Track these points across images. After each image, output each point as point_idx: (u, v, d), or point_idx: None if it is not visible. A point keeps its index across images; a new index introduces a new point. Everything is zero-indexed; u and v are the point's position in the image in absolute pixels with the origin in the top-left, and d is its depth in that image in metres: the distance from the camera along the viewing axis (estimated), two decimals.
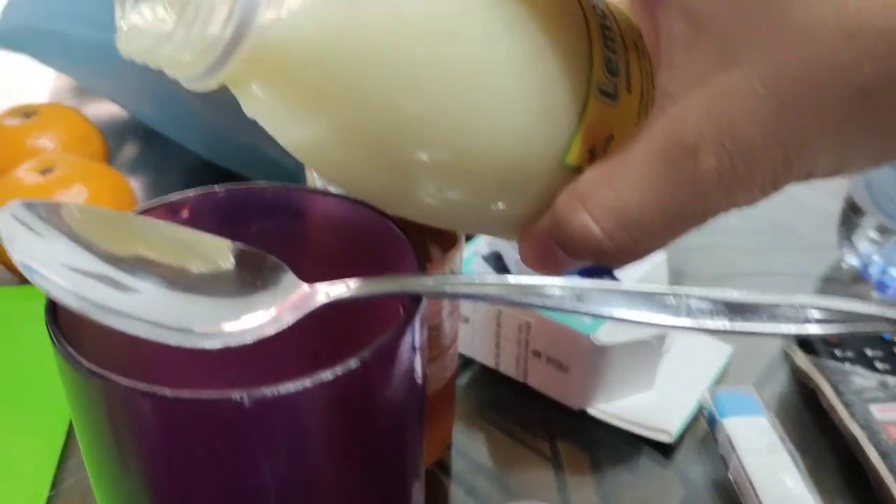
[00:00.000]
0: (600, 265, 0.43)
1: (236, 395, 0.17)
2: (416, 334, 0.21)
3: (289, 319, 0.21)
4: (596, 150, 0.23)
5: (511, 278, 0.21)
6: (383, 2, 0.19)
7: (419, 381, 0.23)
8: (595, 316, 0.21)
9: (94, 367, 0.18)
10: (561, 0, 0.22)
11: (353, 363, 0.19)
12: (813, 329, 0.21)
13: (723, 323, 0.20)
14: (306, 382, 0.18)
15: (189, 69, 0.20)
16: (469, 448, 0.42)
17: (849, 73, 0.19)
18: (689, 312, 0.21)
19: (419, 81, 0.20)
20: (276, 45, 0.19)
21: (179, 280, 0.22)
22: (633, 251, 0.22)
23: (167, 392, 0.17)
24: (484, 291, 0.21)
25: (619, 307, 0.21)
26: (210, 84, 0.20)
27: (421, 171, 0.21)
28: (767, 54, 0.19)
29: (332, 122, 0.21)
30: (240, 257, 0.23)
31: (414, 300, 0.21)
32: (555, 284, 0.21)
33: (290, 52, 0.19)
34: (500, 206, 0.23)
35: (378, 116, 0.20)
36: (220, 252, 0.23)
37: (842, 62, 0.19)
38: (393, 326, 0.20)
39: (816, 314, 0.21)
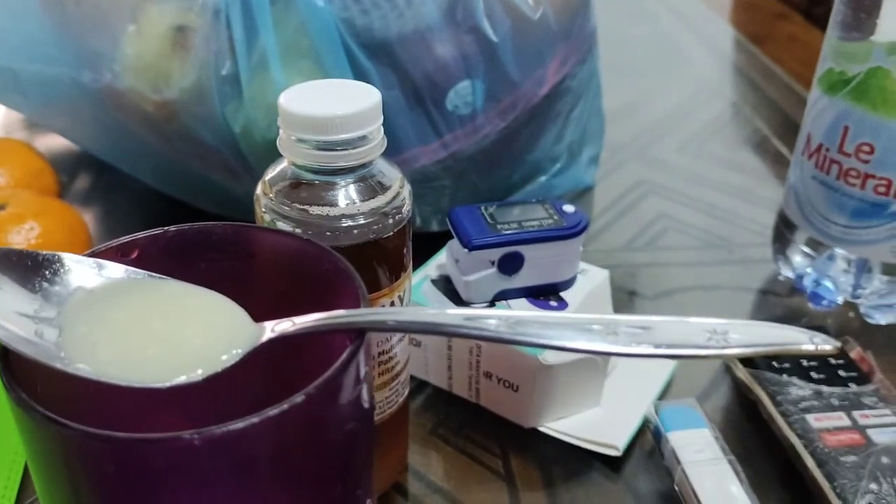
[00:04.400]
0: (548, 285, 0.44)
1: (187, 434, 0.18)
2: (360, 367, 0.22)
3: (235, 356, 0.22)
4: None
5: (449, 310, 0.23)
6: None
7: (367, 410, 0.24)
8: (528, 345, 0.22)
9: (48, 413, 0.19)
10: None
11: (298, 398, 0.20)
12: (731, 352, 0.22)
13: (647, 348, 0.22)
14: (253, 419, 0.19)
15: None
16: (425, 469, 0.43)
17: None
18: (617, 339, 0.22)
19: None
20: None
21: (124, 320, 0.23)
22: None
23: (120, 435, 0.18)
24: (421, 322, 0.22)
25: (550, 338, 0.22)
26: None
27: None
28: None
29: None
30: (186, 296, 0.24)
31: (358, 334, 0.22)
32: (491, 315, 0.22)
33: None
34: None
35: None
36: (165, 292, 0.24)
37: None
38: (337, 361, 0.21)
39: (735, 337, 0.22)
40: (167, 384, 0.21)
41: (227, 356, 0.22)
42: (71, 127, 0.61)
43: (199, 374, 0.21)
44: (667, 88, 0.87)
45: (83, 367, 0.21)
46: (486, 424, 0.45)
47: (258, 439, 0.19)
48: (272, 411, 0.19)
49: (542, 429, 0.44)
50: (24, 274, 0.23)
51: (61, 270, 0.23)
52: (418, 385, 0.47)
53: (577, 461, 0.43)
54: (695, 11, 1.09)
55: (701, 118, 0.81)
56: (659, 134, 0.77)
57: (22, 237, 0.48)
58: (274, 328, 0.23)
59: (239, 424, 0.19)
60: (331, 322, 0.23)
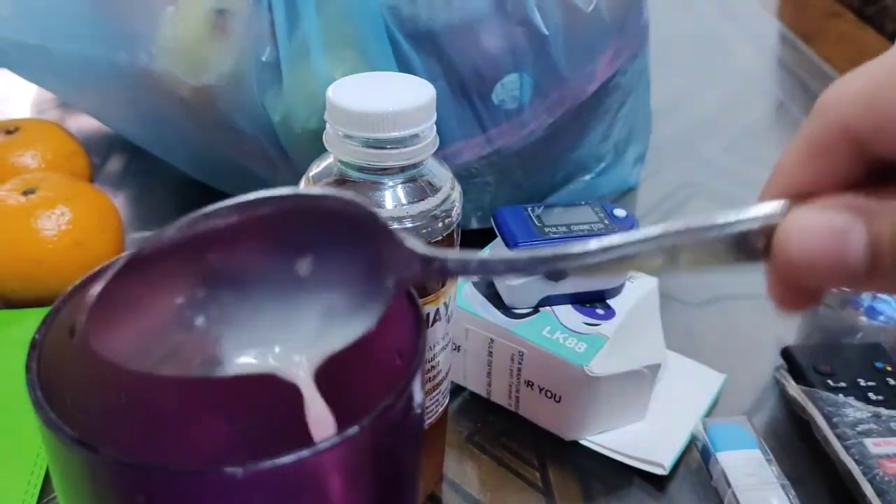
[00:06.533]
0: (595, 293, 0.42)
1: (230, 468, 0.17)
2: (415, 394, 0.20)
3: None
4: None
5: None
6: None
7: (417, 433, 0.22)
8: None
9: (77, 437, 0.17)
10: None
11: (351, 431, 0.18)
12: None
13: None
14: (304, 453, 0.17)
15: None
16: (461, 480, 0.41)
17: None
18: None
19: None
20: None
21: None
22: None
23: (156, 465, 0.17)
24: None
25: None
26: None
27: None
28: None
29: None
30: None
31: (415, 354, 0.21)
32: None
33: None
34: None
35: None
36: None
37: None
38: (396, 390, 0.19)
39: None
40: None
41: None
42: (105, 109, 0.59)
43: None
44: (711, 85, 0.84)
45: None
46: (524, 434, 0.43)
47: (305, 473, 0.18)
48: (325, 444, 0.17)
49: (583, 442, 0.42)
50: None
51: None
52: (455, 389, 0.46)
53: (618, 477, 0.41)
54: (740, 6, 1.06)
55: (747, 118, 0.78)
56: (704, 133, 0.75)
57: (52, 223, 0.46)
58: (447, 263, 0.21)
59: (287, 459, 0.17)
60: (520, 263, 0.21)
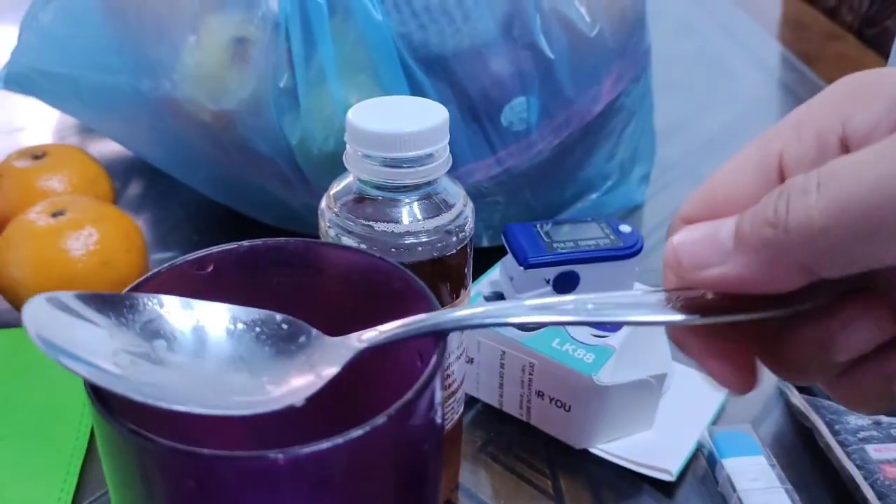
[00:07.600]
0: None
1: (272, 453, 0.18)
2: (436, 389, 0.22)
3: (331, 373, 0.22)
4: None
5: (526, 301, 0.23)
6: None
7: (439, 429, 0.24)
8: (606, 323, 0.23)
9: (134, 428, 0.19)
10: None
11: (380, 420, 0.20)
12: None
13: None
14: (338, 440, 0.19)
15: None
16: (475, 488, 0.43)
17: None
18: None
19: None
20: None
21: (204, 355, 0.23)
22: None
23: (204, 452, 0.18)
24: (506, 317, 0.22)
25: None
26: None
27: None
28: None
29: None
30: (262, 324, 0.24)
31: (438, 350, 0.22)
32: (567, 301, 0.23)
33: None
34: None
35: None
36: (242, 322, 0.24)
37: None
38: (417, 382, 0.21)
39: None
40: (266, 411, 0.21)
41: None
42: (128, 134, 0.61)
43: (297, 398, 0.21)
44: (715, 106, 0.86)
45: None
46: (536, 444, 0.45)
47: (340, 459, 0.19)
48: (356, 432, 0.19)
49: (593, 450, 0.44)
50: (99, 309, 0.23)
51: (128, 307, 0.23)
52: (469, 400, 0.47)
53: (627, 484, 0.43)
54: (742, 28, 1.08)
55: (749, 138, 0.79)
56: (708, 153, 0.77)
57: (80, 243, 0.48)
58: (361, 339, 0.23)
59: (324, 445, 0.19)
60: (417, 326, 0.23)
